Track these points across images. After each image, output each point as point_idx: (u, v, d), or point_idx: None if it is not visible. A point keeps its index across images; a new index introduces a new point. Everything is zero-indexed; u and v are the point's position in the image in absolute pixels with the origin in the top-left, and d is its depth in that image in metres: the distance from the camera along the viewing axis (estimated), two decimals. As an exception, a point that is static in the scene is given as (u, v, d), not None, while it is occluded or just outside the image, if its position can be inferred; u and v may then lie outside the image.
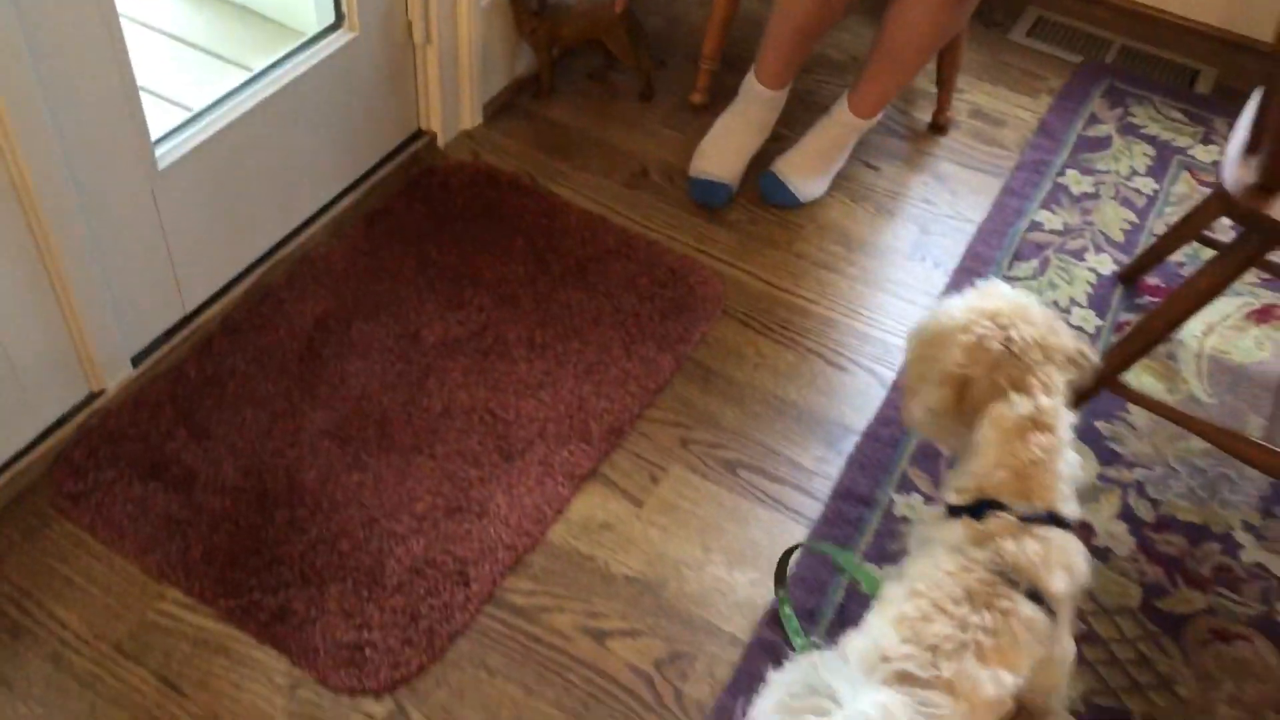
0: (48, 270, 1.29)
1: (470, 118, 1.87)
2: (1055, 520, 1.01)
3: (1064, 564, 1.00)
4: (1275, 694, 1.29)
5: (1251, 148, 1.22)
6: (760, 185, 1.80)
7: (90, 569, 1.29)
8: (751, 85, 1.79)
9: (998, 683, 0.94)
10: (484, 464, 1.42)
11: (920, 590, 0.98)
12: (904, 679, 0.93)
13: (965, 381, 1.05)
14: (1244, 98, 1.42)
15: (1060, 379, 1.05)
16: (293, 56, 1.56)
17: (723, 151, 1.79)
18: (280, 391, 1.47)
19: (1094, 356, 1.09)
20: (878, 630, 0.97)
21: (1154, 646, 1.32)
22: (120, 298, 1.40)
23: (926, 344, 1.10)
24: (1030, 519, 1.00)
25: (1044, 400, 1.02)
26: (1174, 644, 1.32)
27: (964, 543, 1.00)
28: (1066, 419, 1.04)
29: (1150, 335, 1.34)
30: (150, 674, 1.22)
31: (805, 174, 1.79)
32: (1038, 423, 1.02)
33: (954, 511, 1.04)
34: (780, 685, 0.97)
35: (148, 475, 1.37)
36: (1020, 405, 1.02)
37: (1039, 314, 1.08)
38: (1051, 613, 0.98)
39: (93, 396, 1.43)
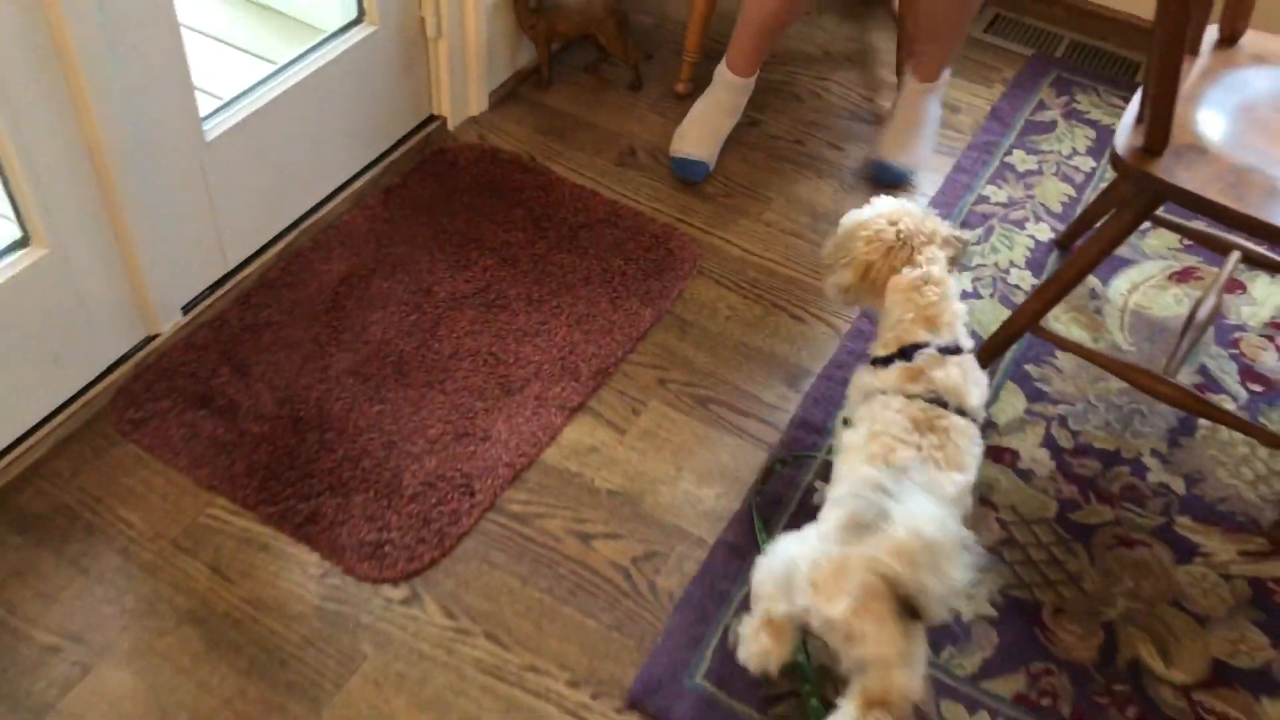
0: (114, 229, 1.51)
1: (477, 104, 2.09)
2: (959, 350, 1.32)
3: (976, 381, 1.31)
4: (1167, 589, 1.49)
5: (1140, 116, 1.42)
6: (873, 174, 2.03)
7: (150, 481, 1.51)
8: (723, 73, 2.00)
9: (956, 484, 1.24)
10: (487, 397, 1.64)
11: (877, 431, 1.26)
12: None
13: (868, 265, 1.38)
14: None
15: (941, 254, 1.37)
16: (319, 48, 1.78)
17: (700, 133, 2.00)
18: (310, 337, 1.69)
19: (966, 235, 1.44)
20: (861, 468, 1.24)
21: (1065, 551, 1.52)
22: (173, 254, 1.62)
23: (839, 240, 1.43)
24: (945, 350, 1.30)
25: (931, 268, 1.34)
26: (1083, 549, 1.52)
27: (901, 381, 1.30)
28: (951, 279, 1.37)
29: (1063, 282, 1.55)
30: (203, 564, 1.43)
31: (902, 149, 2.02)
32: (928, 280, 1.34)
33: (885, 361, 1.33)
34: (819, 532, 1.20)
35: (197, 405, 1.59)
36: (912, 273, 1.34)
37: (919, 211, 1.41)
38: (974, 421, 1.29)
39: (148, 339, 1.65)
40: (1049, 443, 1.65)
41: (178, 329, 1.67)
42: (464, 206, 1.91)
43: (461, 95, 2.05)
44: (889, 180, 2.02)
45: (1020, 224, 1.98)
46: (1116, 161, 1.40)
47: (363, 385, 1.64)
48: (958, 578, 1.07)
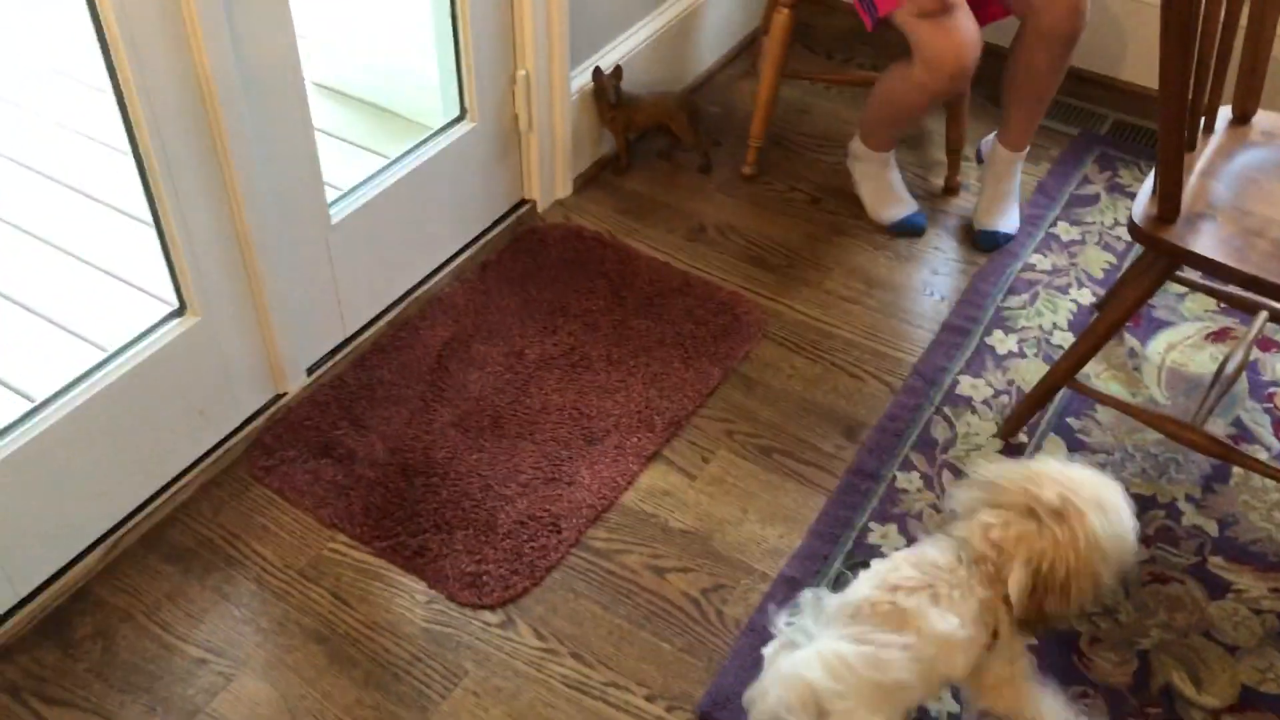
0: (254, 300, 1.76)
1: (563, 189, 2.32)
2: None
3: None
4: (1199, 621, 1.60)
5: (1154, 188, 1.58)
6: (978, 243, 2.23)
7: (279, 519, 1.73)
8: (868, 153, 2.24)
9: (946, 621, 1.23)
10: (572, 447, 1.83)
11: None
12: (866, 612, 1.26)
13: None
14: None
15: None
16: (427, 142, 2.04)
17: (887, 198, 2.25)
18: (417, 394, 1.91)
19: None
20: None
21: (1102, 586, 1.64)
22: (301, 322, 1.86)
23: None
24: None
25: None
26: (1120, 585, 1.65)
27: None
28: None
29: (1094, 338, 1.70)
30: (325, 591, 1.64)
31: (1003, 215, 2.23)
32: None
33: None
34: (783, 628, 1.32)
35: (320, 454, 1.81)
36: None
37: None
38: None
39: (278, 396, 1.88)
40: (1088, 488, 1.78)
41: (303, 388, 1.90)
42: (551, 279, 2.13)
43: (549, 181, 2.29)
44: (995, 245, 2.21)
45: (1064, 290, 2.13)
46: (1133, 229, 1.56)
47: (463, 436, 1.84)
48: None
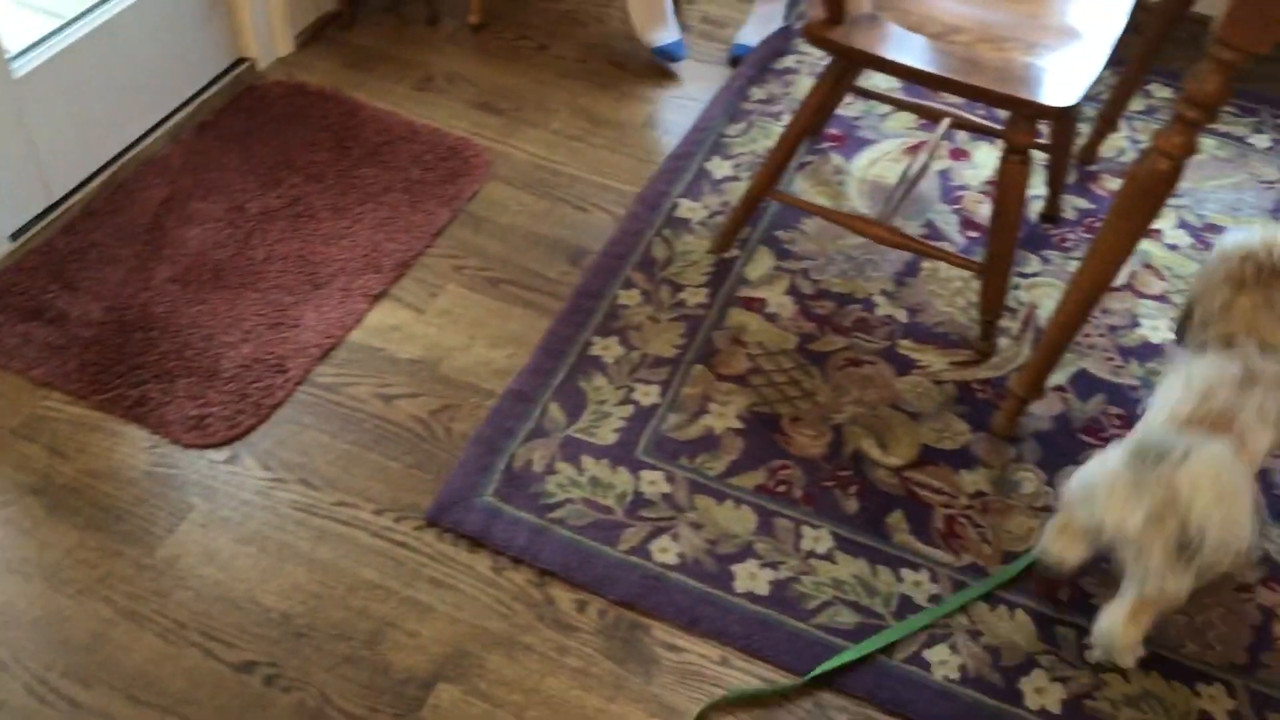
0: (-66, 159, 1.67)
1: (284, 46, 2.27)
2: None
3: None
4: (888, 396, 1.76)
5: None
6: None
7: (-12, 384, 1.68)
8: None
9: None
10: (297, 292, 1.83)
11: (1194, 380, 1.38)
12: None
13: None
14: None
15: None
16: (122, -4, 1.95)
17: (653, 16, 2.26)
18: (133, 254, 1.87)
19: None
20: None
21: (803, 373, 1.78)
22: (-5, 185, 1.78)
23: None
24: None
25: None
26: (818, 370, 1.79)
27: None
28: None
29: (784, 143, 1.80)
30: (41, 448, 1.61)
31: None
32: None
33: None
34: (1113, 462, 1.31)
35: (29, 318, 1.76)
36: None
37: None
38: None
39: (-20, 265, 1.81)
40: (793, 291, 1.91)
41: (7, 255, 1.83)
42: (273, 135, 2.10)
43: (268, 38, 2.23)
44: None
45: (776, 117, 2.24)
46: (804, 31, 1.65)
47: (183, 291, 1.82)
48: (1240, 526, 1.21)
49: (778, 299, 1.89)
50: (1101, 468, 1.33)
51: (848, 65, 1.71)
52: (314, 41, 2.32)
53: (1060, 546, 1.40)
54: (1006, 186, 1.66)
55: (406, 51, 2.32)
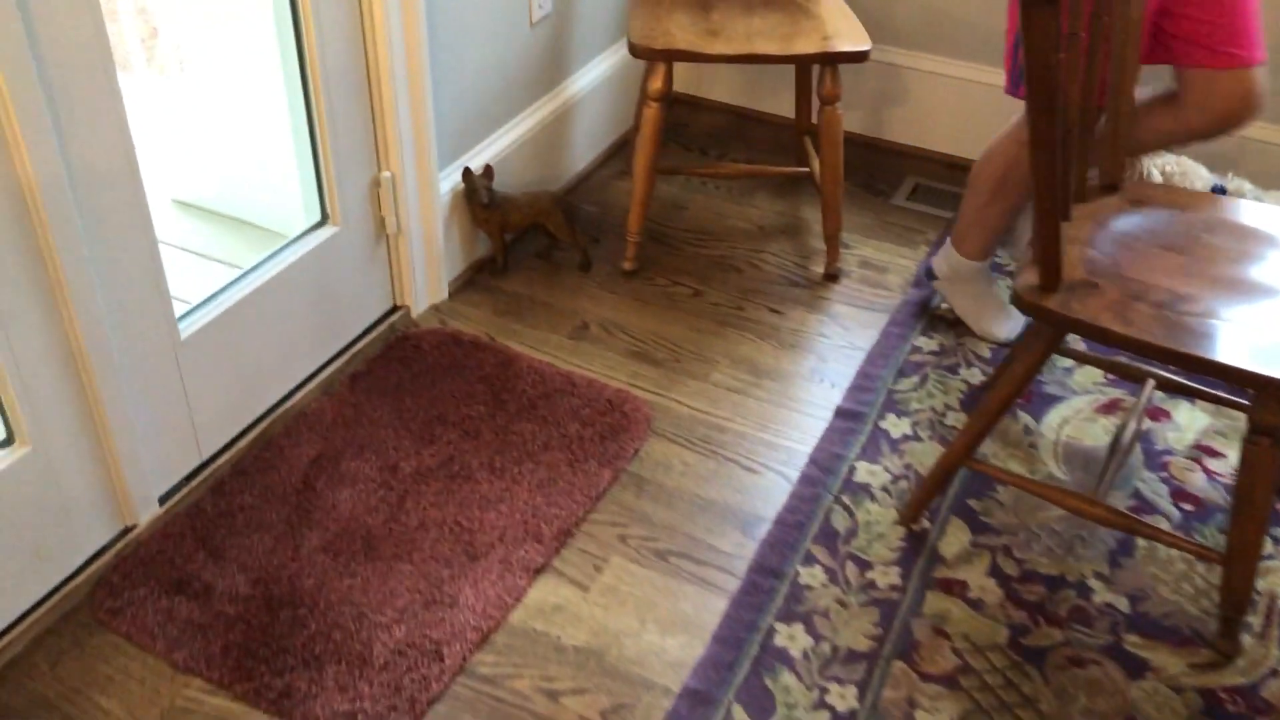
0: (95, 426, 1.61)
1: (438, 294, 2.23)
2: None
3: None
4: (1121, 705, 1.53)
5: (1032, 258, 1.56)
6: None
7: (128, 667, 1.55)
8: (966, 264, 2.13)
9: None
10: (454, 564, 1.70)
11: None
12: None
13: None
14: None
15: None
16: (284, 250, 1.93)
17: (993, 314, 2.17)
18: (281, 519, 1.76)
19: None
20: None
21: (1019, 674, 1.57)
22: (150, 447, 1.71)
23: None
24: None
25: None
26: (1036, 671, 1.57)
27: None
28: None
29: (988, 415, 1.65)
30: (178, 747, 1.46)
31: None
32: None
33: None
34: None
35: (173, 591, 1.64)
36: None
37: None
38: None
39: (126, 530, 1.71)
40: (995, 572, 1.71)
41: (155, 519, 1.74)
42: (426, 386, 2.02)
43: (423, 285, 2.19)
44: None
45: (953, 370, 2.10)
46: (1017, 299, 1.53)
47: (333, 561, 1.70)
48: None
49: (980, 581, 1.70)
50: None
51: (1060, 332, 1.57)
52: (468, 289, 2.28)
53: None
54: (1253, 470, 1.48)
55: (560, 298, 2.27)
